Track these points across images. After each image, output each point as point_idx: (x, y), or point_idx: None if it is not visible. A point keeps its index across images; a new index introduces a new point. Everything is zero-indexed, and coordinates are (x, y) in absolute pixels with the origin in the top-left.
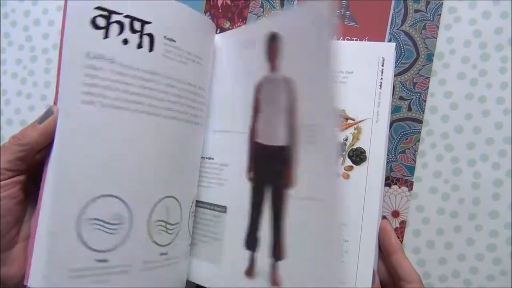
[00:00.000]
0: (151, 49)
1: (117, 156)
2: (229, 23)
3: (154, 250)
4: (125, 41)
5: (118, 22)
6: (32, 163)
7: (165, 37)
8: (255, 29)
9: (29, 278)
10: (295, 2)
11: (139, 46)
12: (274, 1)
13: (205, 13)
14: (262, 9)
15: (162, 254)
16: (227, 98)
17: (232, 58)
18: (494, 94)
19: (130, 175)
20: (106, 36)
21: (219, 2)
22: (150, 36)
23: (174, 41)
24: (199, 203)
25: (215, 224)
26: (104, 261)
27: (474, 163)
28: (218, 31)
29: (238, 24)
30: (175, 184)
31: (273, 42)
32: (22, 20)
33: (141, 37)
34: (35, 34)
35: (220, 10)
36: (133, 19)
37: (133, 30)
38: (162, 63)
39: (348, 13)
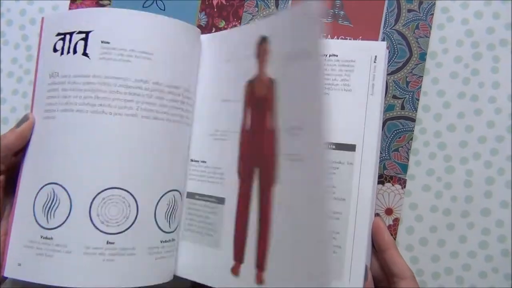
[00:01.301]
0: (88, 55)
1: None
2: (224, 22)
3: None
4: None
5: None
6: (9, 165)
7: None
8: (247, 31)
9: (5, 269)
10: (290, 2)
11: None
12: (269, 1)
13: (200, 12)
14: (257, 9)
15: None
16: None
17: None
18: (486, 93)
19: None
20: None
21: (214, 2)
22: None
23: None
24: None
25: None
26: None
27: (467, 161)
28: (214, 30)
29: (233, 23)
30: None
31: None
32: (18, 19)
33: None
34: (31, 33)
35: (215, 10)
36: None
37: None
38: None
39: (342, 12)
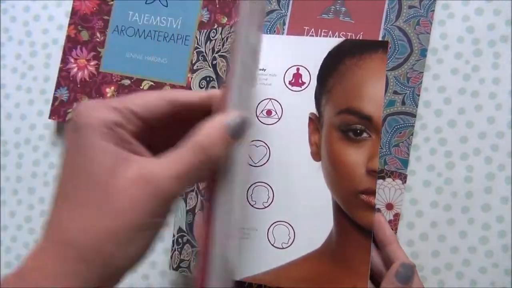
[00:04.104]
0: None
1: None
2: (226, 18)
3: None
4: None
5: None
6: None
7: None
8: None
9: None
10: (291, 2)
11: None
12: None
13: (202, 8)
14: None
15: None
16: None
17: None
18: (486, 89)
19: None
20: None
21: None
22: None
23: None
24: None
25: None
26: None
27: (467, 157)
28: (216, 26)
29: (236, 19)
30: None
31: None
32: (22, 15)
33: None
34: (35, 29)
35: (217, 6)
36: None
37: None
38: None
39: (343, 9)
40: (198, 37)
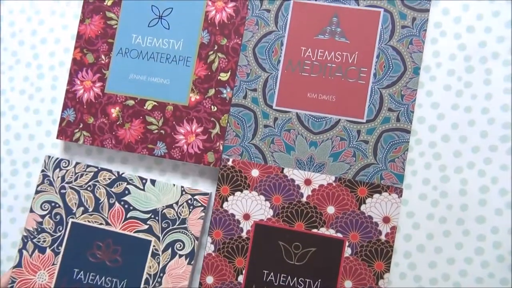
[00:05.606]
0: None
1: None
2: (226, 40)
3: None
4: None
5: None
6: None
7: None
8: None
9: None
10: (289, 15)
11: None
12: (269, 19)
13: (203, 30)
14: (257, 27)
15: None
16: None
17: None
18: (479, 105)
19: None
20: None
21: (216, 20)
22: None
23: None
24: None
25: None
26: None
27: (461, 171)
28: (216, 47)
29: (235, 40)
30: None
31: None
32: (30, 39)
33: None
34: (42, 52)
35: (217, 28)
36: None
37: None
38: None
39: (339, 29)
40: (46, 162)
